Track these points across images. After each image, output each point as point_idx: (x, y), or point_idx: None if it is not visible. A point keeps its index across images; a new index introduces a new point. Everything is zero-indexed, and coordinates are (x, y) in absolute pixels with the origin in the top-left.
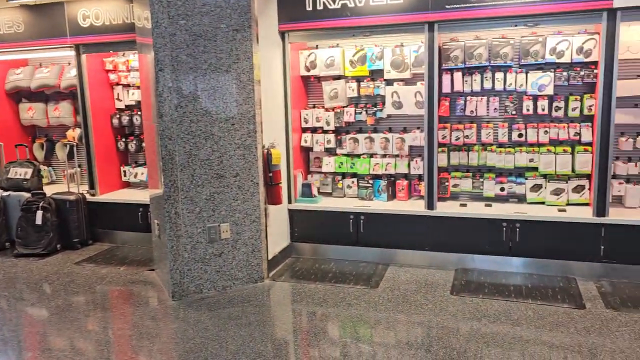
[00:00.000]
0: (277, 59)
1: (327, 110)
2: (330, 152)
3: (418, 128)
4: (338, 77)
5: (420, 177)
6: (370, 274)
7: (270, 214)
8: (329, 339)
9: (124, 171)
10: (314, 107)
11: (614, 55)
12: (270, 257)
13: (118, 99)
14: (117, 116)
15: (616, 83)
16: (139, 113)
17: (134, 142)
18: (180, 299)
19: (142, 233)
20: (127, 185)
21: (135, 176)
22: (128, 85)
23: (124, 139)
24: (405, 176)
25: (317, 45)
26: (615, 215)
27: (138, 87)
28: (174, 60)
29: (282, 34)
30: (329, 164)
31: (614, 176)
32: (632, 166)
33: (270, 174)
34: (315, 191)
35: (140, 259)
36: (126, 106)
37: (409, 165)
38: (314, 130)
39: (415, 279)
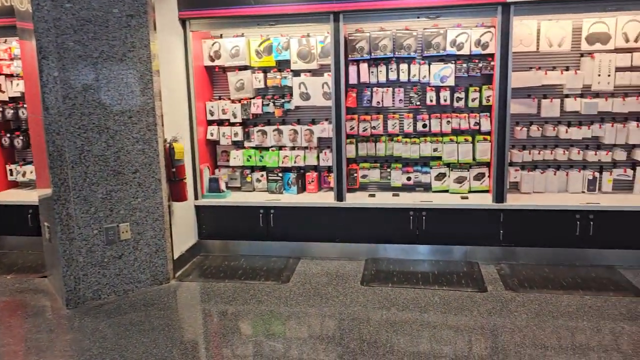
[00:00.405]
0: (178, 48)
1: (233, 102)
2: (237, 145)
3: (326, 119)
4: (244, 68)
5: (329, 169)
6: (282, 269)
7: (175, 211)
8: (240, 338)
9: (10, 170)
10: (219, 98)
11: (509, 48)
12: (176, 256)
13: (1, 90)
14: (1, 109)
15: (511, 75)
16: (25, 106)
17: (21, 137)
18: (75, 307)
19: (32, 237)
20: (15, 185)
21: (24, 175)
22: (11, 75)
23: (9, 135)
24: (315, 168)
25: (221, 35)
26: (512, 201)
27: (22, 77)
28: (60, 47)
29: (183, 22)
30: (237, 158)
31: (511, 164)
32: (527, 154)
33: (174, 169)
34: (223, 186)
35: (31, 265)
36: (10, 98)
37: (318, 157)
38: (220, 122)
39: (327, 271)
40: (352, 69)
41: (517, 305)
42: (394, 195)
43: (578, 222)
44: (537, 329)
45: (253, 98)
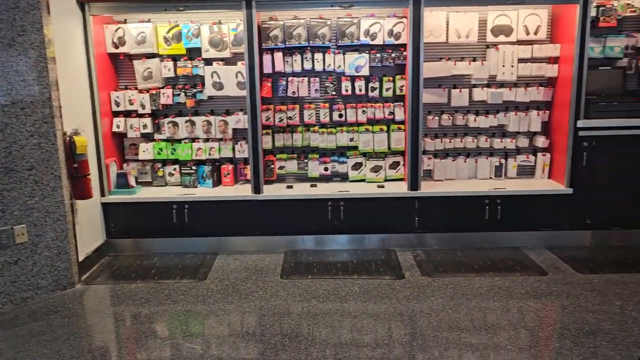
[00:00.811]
0: (77, 33)
1: (141, 91)
2: (147, 137)
3: (241, 110)
4: (152, 56)
5: (245, 161)
6: (198, 266)
7: (79, 210)
8: (155, 341)
9: None
10: (125, 88)
11: (420, 38)
12: (81, 258)
13: None
14: None
15: (423, 65)
16: None
17: None
18: None
19: None
20: None
21: None
22: None
23: None
24: (231, 160)
25: (125, 20)
26: (426, 188)
27: None
28: None
29: (82, 5)
30: (147, 151)
31: (424, 152)
32: (439, 142)
33: (76, 165)
34: (132, 181)
35: None
36: None
37: (233, 148)
38: (127, 114)
39: (245, 265)
40: (267, 58)
41: (433, 290)
42: (311, 186)
43: (487, 207)
44: (453, 311)
45: (162, 88)
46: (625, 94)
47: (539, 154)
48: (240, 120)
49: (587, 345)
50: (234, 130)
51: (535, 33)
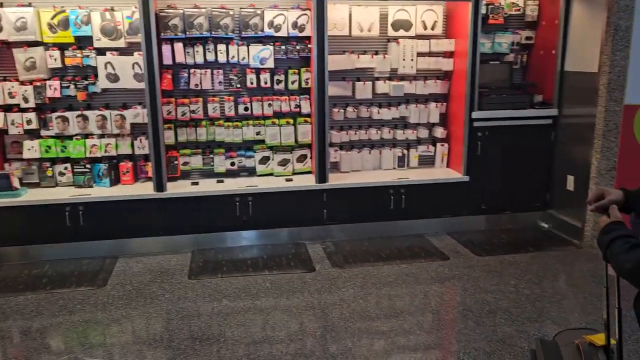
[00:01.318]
0: None
1: (23, 83)
2: (32, 134)
3: (140, 104)
4: (35, 44)
5: (146, 157)
6: (97, 271)
7: None
8: (50, 357)
9: None
10: (4, 79)
11: (324, 31)
12: None
13: None
14: None
15: (327, 58)
16: None
17: None
18: None
19: None
20: None
21: None
22: None
23: None
24: (130, 157)
25: (1, 3)
26: (334, 181)
27: None
28: None
29: None
30: (33, 149)
31: (331, 144)
32: (344, 134)
33: None
34: (16, 183)
35: None
36: None
37: (132, 144)
38: (7, 108)
39: (149, 268)
40: (166, 48)
41: (343, 281)
42: (218, 181)
43: (392, 197)
44: (363, 301)
45: (49, 79)
46: (513, 87)
47: (438, 144)
48: (139, 114)
49: (488, 324)
50: (133, 125)
51: (433, 28)
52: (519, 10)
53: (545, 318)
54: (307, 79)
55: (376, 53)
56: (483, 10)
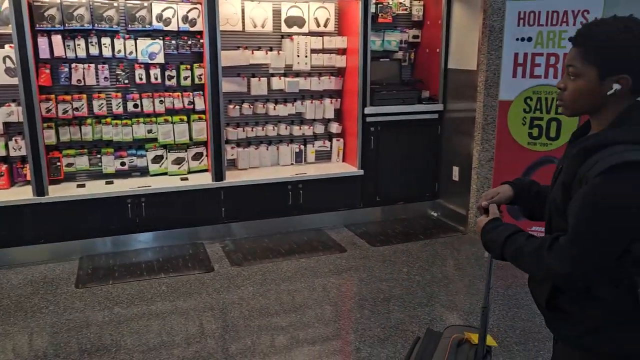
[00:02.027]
0: None
1: None
2: None
3: (14, 101)
4: None
5: (24, 159)
6: None
7: None
8: None
9: None
10: None
11: (216, 26)
12: None
13: None
14: None
15: (220, 53)
16: None
17: None
18: None
19: None
20: None
21: None
22: None
23: None
24: (5, 159)
25: None
26: (231, 178)
27: None
28: None
29: None
30: None
31: (227, 141)
32: (241, 131)
33: None
34: None
35: None
36: None
37: (6, 146)
38: None
39: (31, 279)
40: (43, 40)
41: (243, 280)
42: (107, 183)
43: (290, 192)
44: (263, 298)
45: None
46: (402, 83)
47: (334, 140)
48: (13, 112)
49: (382, 311)
50: (6, 124)
51: (325, 25)
52: (406, 10)
53: (434, 302)
54: (200, 75)
55: (271, 49)
56: (373, 9)
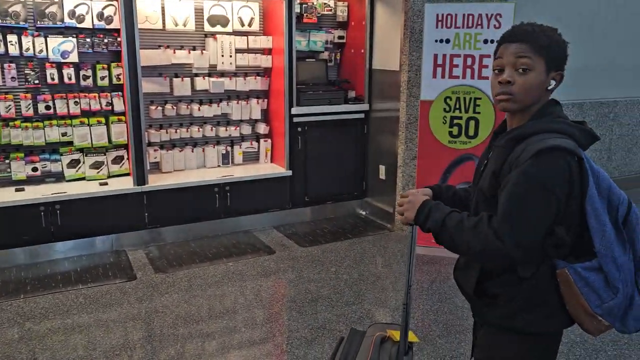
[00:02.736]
0: None
1: None
2: None
3: None
4: None
5: None
6: None
7: None
8: None
9: None
10: None
11: (134, 24)
12: None
13: None
14: None
15: (139, 52)
16: None
17: None
18: None
19: None
20: None
21: None
22: None
23: None
24: None
25: None
26: (154, 182)
27: None
28: None
29: None
30: None
31: (150, 144)
32: (164, 133)
33: None
34: None
35: None
36: None
37: None
38: None
39: None
40: None
41: (167, 286)
42: (17, 190)
43: (217, 195)
44: (189, 305)
45: None
46: (328, 83)
47: (262, 140)
48: None
49: (310, 312)
50: None
51: (250, 25)
52: (330, 10)
53: (362, 300)
54: (118, 75)
55: (194, 48)
56: (297, 9)
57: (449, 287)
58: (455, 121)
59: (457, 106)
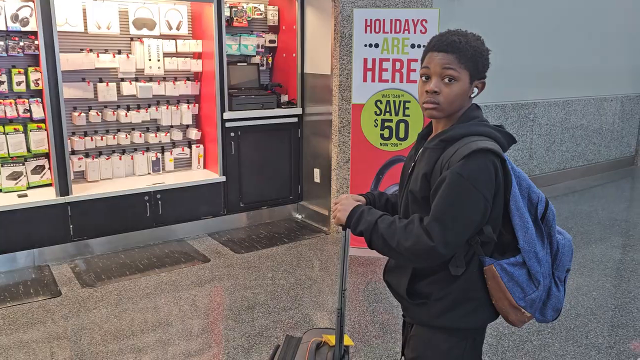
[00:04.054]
0: None
1: None
2: None
3: None
4: None
5: None
6: None
7: None
8: None
9: None
10: None
11: (53, 26)
12: None
13: None
14: None
15: (59, 56)
16: None
17: None
18: None
19: None
20: None
21: None
22: None
23: None
24: None
25: None
26: (79, 192)
27: None
28: None
29: None
30: None
31: (73, 152)
32: (89, 140)
33: None
34: None
35: None
36: None
37: None
38: None
39: None
40: None
41: (95, 301)
42: None
43: (147, 204)
44: (119, 319)
45: None
46: (261, 88)
47: (194, 146)
48: None
49: (246, 320)
50: None
51: (178, 28)
52: (261, 14)
53: (299, 304)
54: (36, 80)
55: (119, 52)
56: (227, 13)
57: (385, 287)
58: (386, 124)
59: (388, 109)
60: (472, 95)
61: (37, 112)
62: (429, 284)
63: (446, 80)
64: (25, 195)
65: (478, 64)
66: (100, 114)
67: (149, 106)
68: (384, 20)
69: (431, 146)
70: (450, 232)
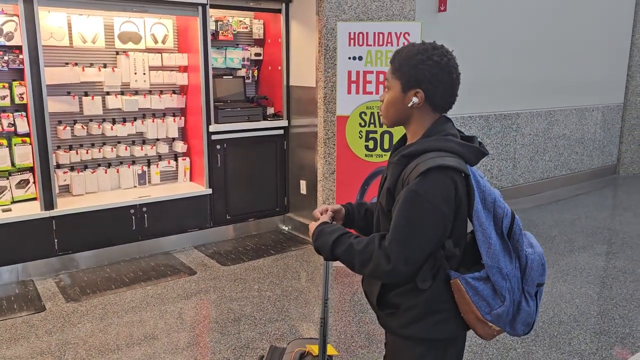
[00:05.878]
0: None
1: None
2: None
3: None
4: None
5: None
6: None
7: None
8: None
9: None
10: None
11: (38, 40)
12: None
13: None
14: None
15: (44, 70)
16: None
17: None
18: None
19: None
20: None
21: None
22: None
23: None
24: None
25: None
26: (65, 206)
27: None
28: None
29: None
30: None
31: (59, 166)
32: (74, 154)
33: None
34: None
35: None
36: None
37: None
38: None
39: None
40: None
41: (80, 316)
42: None
43: (133, 217)
44: (104, 334)
45: None
46: (247, 100)
47: (180, 159)
48: None
49: (233, 332)
50: None
51: (164, 42)
52: (246, 28)
53: (285, 316)
54: (21, 94)
55: (104, 66)
56: (213, 27)
57: None
58: (371, 135)
59: (372, 121)
60: (410, 105)
61: (22, 126)
62: (398, 295)
63: (386, 90)
64: (10, 210)
65: (407, 74)
66: (85, 127)
67: (135, 119)
68: (367, 33)
69: (394, 161)
70: (409, 250)
